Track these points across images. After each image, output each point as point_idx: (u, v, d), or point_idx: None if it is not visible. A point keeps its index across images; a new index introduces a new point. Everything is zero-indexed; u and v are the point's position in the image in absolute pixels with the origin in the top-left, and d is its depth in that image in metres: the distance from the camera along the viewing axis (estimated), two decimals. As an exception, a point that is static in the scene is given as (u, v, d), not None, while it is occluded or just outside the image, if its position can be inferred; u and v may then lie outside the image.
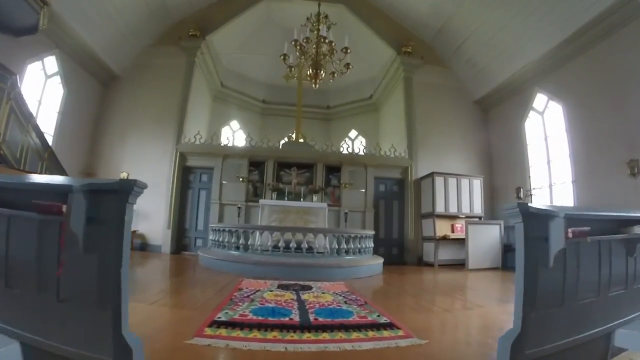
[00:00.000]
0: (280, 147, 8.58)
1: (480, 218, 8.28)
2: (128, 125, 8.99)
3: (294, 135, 8.82)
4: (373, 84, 12.07)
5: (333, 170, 8.76)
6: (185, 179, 8.58)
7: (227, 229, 5.99)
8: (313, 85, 5.50)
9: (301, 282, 4.39)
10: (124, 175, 8.68)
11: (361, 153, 9.04)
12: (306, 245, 5.53)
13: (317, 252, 5.56)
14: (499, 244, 7.40)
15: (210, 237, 6.69)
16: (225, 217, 8.10)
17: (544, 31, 7.16)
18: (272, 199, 7.89)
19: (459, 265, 7.44)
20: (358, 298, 3.47)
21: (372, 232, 6.72)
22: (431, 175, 8.26)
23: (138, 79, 9.35)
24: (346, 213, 8.19)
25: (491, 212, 8.87)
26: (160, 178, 8.36)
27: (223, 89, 11.41)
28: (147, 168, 8.48)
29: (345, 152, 8.89)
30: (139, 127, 8.91)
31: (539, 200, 7.81)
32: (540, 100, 8.02)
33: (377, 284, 5.02)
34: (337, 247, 5.77)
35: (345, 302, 3.25)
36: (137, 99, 9.18)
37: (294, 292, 3.62)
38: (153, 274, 5.01)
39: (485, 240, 7.31)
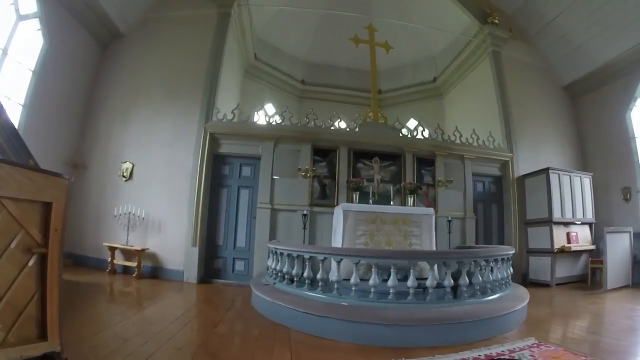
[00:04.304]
0: (357, 129, 6.00)
1: (591, 225, 6.99)
2: (134, 98, 6.43)
3: (370, 115, 6.27)
4: (432, 66, 10.07)
5: (422, 163, 6.33)
6: (217, 172, 5.92)
7: (310, 254, 3.41)
8: None
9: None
10: (127, 166, 6.06)
11: (457, 141, 6.61)
12: (450, 281, 3.17)
13: (465, 291, 3.25)
14: (629, 256, 6.09)
15: (270, 262, 4.11)
16: (278, 228, 5.47)
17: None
18: (352, 201, 5.33)
19: (576, 283, 6.33)
20: None
21: (512, 251, 4.33)
22: (546, 171, 6.63)
23: (150, 40, 6.84)
24: (449, 221, 5.78)
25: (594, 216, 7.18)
26: (179, 171, 5.77)
27: (256, 62, 8.90)
28: (160, 157, 5.93)
29: (439, 138, 6.39)
30: (150, 102, 6.36)
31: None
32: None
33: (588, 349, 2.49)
34: (490, 280, 3.42)
35: None
36: (148, 64, 6.67)
37: None
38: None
39: (618, 252, 5.93)
